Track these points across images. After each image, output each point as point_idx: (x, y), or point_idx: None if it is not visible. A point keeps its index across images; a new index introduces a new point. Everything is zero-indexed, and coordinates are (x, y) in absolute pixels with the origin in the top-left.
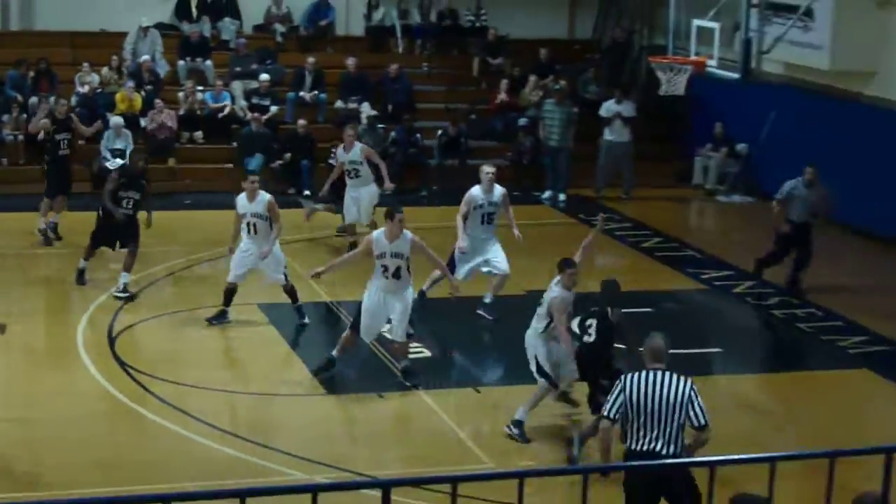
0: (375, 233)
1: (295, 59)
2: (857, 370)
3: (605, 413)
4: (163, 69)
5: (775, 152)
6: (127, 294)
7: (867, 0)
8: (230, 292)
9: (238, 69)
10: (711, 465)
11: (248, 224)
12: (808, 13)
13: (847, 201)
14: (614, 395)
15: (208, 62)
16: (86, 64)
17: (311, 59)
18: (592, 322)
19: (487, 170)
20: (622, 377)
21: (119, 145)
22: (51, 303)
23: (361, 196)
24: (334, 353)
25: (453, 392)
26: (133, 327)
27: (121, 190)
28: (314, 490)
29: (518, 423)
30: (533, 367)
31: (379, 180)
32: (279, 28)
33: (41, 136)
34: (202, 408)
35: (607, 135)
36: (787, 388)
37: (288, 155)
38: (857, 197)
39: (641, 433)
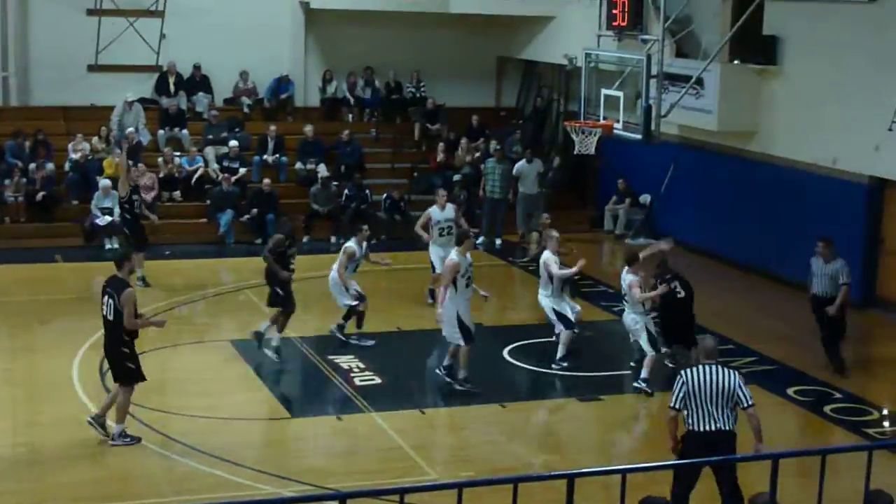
0: (455, 257)
1: (260, 128)
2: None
3: (671, 404)
4: (145, 138)
5: (673, 201)
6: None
7: (749, 70)
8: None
9: (210, 137)
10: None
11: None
12: (699, 82)
13: (735, 240)
14: (677, 389)
15: (185, 131)
16: (79, 135)
17: (273, 127)
18: (676, 283)
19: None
20: (682, 373)
21: (107, 204)
22: (49, 342)
23: (448, 253)
24: (462, 374)
25: (401, 414)
26: None
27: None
28: (282, 503)
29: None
30: (646, 344)
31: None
32: (246, 101)
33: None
34: (182, 431)
35: (521, 188)
36: None
37: (255, 210)
38: (742, 237)
39: (701, 416)
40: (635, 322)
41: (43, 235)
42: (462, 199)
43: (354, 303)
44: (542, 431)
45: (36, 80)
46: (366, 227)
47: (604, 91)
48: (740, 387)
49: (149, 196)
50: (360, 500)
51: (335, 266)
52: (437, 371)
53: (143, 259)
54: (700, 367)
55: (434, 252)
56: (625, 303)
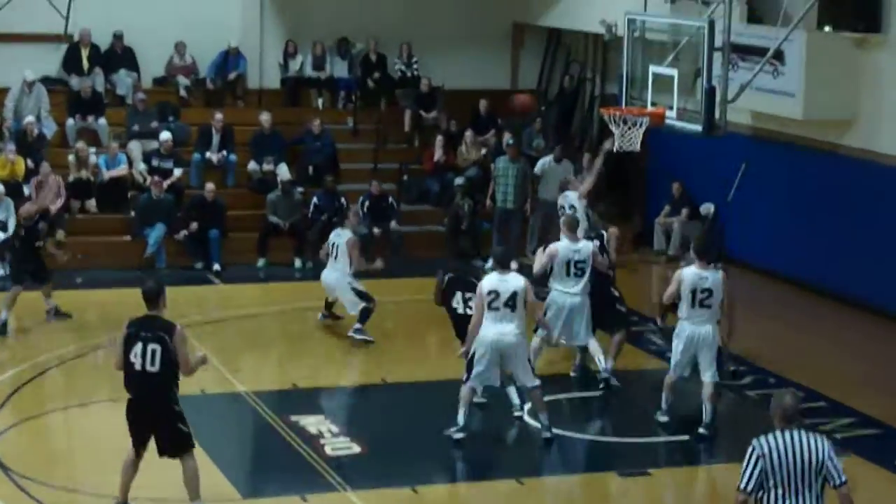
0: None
1: (201, 116)
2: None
3: (742, 486)
4: (49, 129)
5: (744, 212)
6: None
7: (844, 40)
8: None
9: (136, 128)
10: None
11: None
12: (778, 56)
13: (825, 264)
14: (750, 465)
15: (102, 120)
16: None
17: (218, 116)
18: None
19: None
20: (755, 443)
21: None
22: None
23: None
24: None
25: (387, 493)
26: (17, 426)
27: None
28: None
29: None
30: None
31: None
32: (183, 81)
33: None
34: None
35: (542, 193)
36: None
37: (194, 224)
38: (834, 259)
39: (784, 500)
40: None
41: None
42: (465, 211)
43: (369, 303)
44: None
45: None
46: (354, 207)
47: (652, 68)
48: (831, 458)
49: (54, 206)
50: None
51: (337, 264)
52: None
53: (51, 288)
54: (779, 433)
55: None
56: None
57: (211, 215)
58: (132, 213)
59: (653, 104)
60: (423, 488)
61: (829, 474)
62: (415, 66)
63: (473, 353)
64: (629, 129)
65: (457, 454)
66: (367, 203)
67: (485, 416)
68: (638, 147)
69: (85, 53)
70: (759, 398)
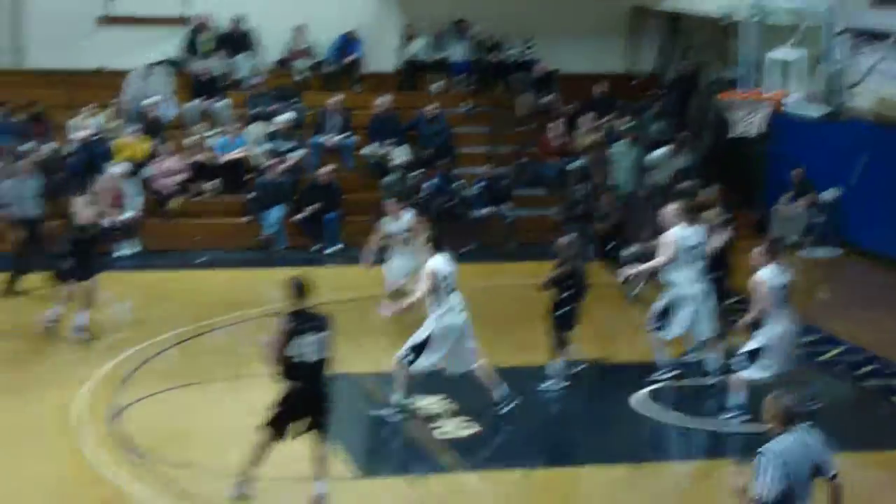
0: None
1: (319, 99)
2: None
3: (764, 498)
4: (170, 112)
5: (867, 199)
6: None
7: None
8: None
9: (255, 110)
10: None
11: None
12: None
13: None
14: (769, 474)
15: (221, 103)
16: (85, 107)
17: (335, 99)
18: None
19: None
20: (769, 452)
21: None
22: (44, 376)
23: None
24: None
25: (502, 474)
26: (136, 403)
27: None
28: None
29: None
30: None
31: None
32: (302, 64)
33: None
34: (214, 492)
35: (655, 178)
36: (877, 471)
37: (311, 206)
38: None
39: (800, 502)
40: None
41: None
42: (581, 195)
43: None
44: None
45: (32, 36)
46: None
47: (772, 53)
48: (825, 451)
49: (170, 182)
50: None
51: None
52: None
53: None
54: (787, 437)
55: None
56: None
57: (328, 198)
58: (251, 196)
59: (773, 89)
60: (539, 471)
61: (824, 467)
62: (531, 50)
63: None
64: (748, 113)
65: (572, 437)
66: (482, 187)
67: (597, 400)
68: (755, 133)
69: (206, 37)
70: (878, 387)
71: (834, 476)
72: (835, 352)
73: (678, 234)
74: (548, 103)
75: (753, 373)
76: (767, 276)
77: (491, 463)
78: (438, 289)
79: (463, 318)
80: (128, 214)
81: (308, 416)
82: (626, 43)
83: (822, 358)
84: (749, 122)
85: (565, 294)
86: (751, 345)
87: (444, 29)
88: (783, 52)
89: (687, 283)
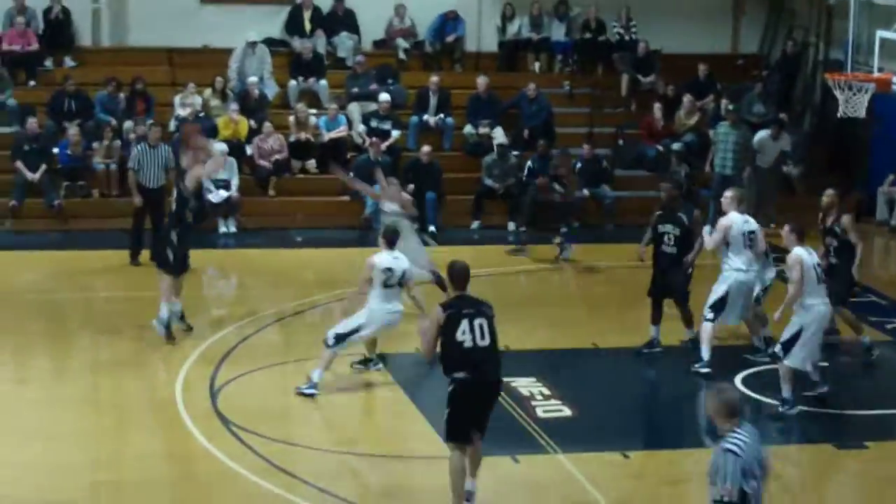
0: None
1: (419, 79)
2: None
3: (727, 499)
4: (271, 90)
5: None
6: None
7: None
8: None
9: (355, 90)
10: None
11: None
12: None
13: None
14: (730, 473)
15: (322, 82)
16: (191, 84)
17: (435, 79)
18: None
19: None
20: (732, 447)
21: (223, 176)
22: (146, 353)
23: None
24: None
25: (598, 457)
26: (237, 380)
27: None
28: None
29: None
30: None
31: None
32: (402, 44)
33: None
34: (312, 470)
35: (759, 161)
36: None
37: (411, 186)
38: None
39: (758, 494)
40: None
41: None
42: (682, 176)
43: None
44: (785, 486)
45: (135, 13)
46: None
47: (879, 33)
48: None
49: (268, 161)
50: None
51: None
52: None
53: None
54: (738, 431)
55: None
56: None
57: (428, 177)
58: (351, 175)
59: (879, 70)
60: (635, 454)
61: (764, 463)
62: (633, 29)
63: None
64: (854, 94)
65: (667, 421)
66: (579, 166)
67: (696, 380)
68: (864, 113)
69: (307, 16)
70: None
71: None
72: None
73: (734, 220)
74: (650, 83)
75: (795, 361)
76: (804, 255)
77: (588, 445)
78: (380, 282)
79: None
80: (228, 193)
81: (487, 408)
82: (730, 22)
83: None
84: (855, 103)
85: (690, 270)
86: (787, 332)
87: (544, 8)
88: (891, 33)
89: (743, 270)
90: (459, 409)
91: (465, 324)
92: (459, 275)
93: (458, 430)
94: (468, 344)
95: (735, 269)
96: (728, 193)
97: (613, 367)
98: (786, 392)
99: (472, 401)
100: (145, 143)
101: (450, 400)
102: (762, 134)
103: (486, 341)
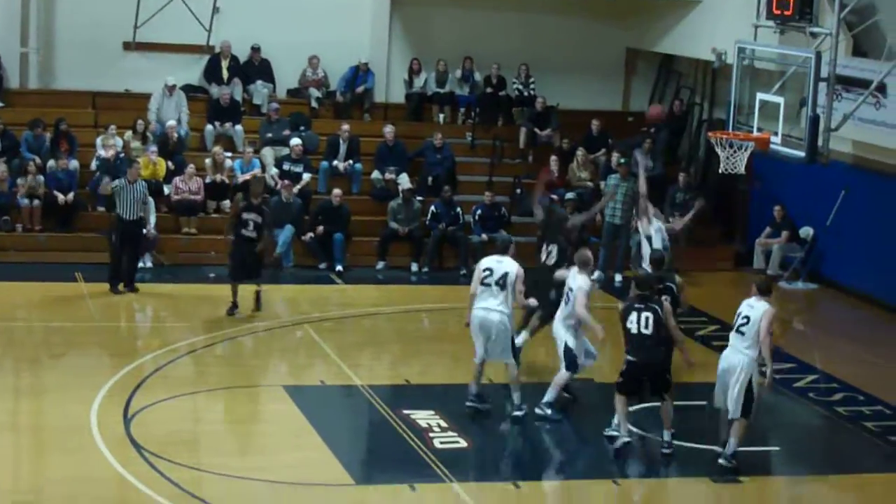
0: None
1: (330, 127)
2: None
3: None
4: (186, 134)
5: (842, 238)
6: None
7: None
8: None
9: (269, 135)
10: None
11: None
12: (881, 89)
13: None
14: None
15: (238, 127)
16: (112, 126)
17: (345, 127)
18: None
19: None
20: None
21: (140, 213)
22: (64, 378)
23: None
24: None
25: (490, 487)
26: (150, 407)
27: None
28: None
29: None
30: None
31: None
32: (314, 93)
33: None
34: (221, 496)
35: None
36: (847, 492)
37: (321, 228)
38: None
39: None
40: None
41: (61, 248)
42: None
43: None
44: None
45: (61, 58)
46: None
47: (759, 96)
48: None
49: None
50: None
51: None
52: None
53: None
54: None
55: None
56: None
57: (336, 219)
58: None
59: (758, 130)
60: (525, 484)
61: None
62: (532, 86)
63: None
64: (735, 152)
65: (558, 453)
66: (479, 212)
67: (583, 415)
68: (743, 170)
69: (225, 64)
70: (848, 414)
71: None
72: (809, 379)
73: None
74: (547, 137)
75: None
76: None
77: (482, 475)
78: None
79: None
80: (146, 230)
81: (648, 382)
82: (622, 81)
83: (796, 385)
84: (735, 160)
85: None
86: None
87: (449, 64)
88: (770, 96)
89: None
90: (627, 380)
91: (635, 315)
92: (646, 282)
93: (623, 389)
94: (633, 331)
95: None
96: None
97: (508, 401)
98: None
99: (636, 377)
100: (125, 179)
101: (622, 372)
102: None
103: (649, 331)
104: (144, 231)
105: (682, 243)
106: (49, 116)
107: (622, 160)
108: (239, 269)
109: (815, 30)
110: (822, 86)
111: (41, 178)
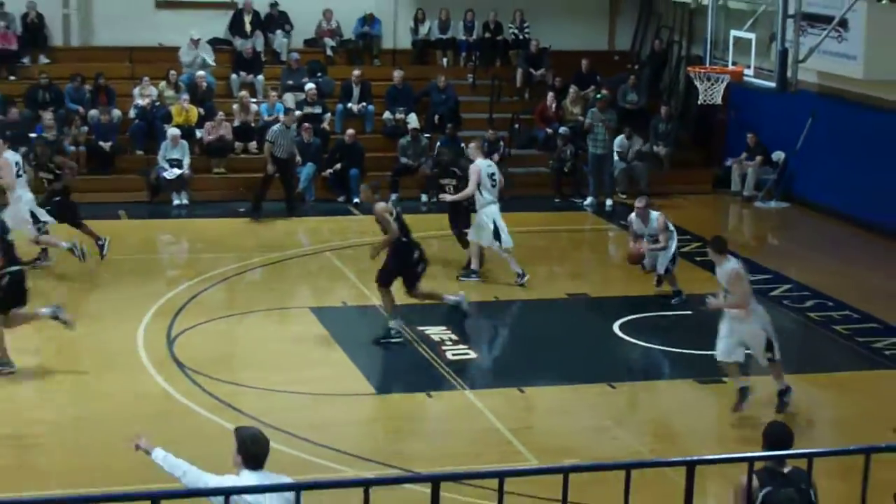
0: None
1: (344, 73)
2: (893, 371)
3: None
4: (214, 83)
5: (810, 160)
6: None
7: None
8: None
9: (290, 82)
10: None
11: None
12: (843, 24)
13: (882, 205)
14: None
15: (260, 77)
16: (146, 78)
17: (357, 72)
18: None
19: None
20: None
21: (175, 155)
22: (113, 307)
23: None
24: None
25: (498, 392)
26: (189, 330)
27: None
28: (366, 484)
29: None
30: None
31: None
32: (329, 42)
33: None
34: (256, 407)
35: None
36: (821, 389)
37: (338, 164)
38: (891, 201)
39: None
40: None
41: (105, 189)
42: (568, 155)
43: None
44: (655, 417)
45: (99, 17)
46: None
47: (733, 32)
48: None
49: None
50: (453, 486)
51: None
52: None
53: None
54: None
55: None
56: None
57: (352, 156)
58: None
59: (733, 64)
60: (529, 389)
61: None
62: (526, 30)
63: None
64: (712, 84)
65: (557, 361)
66: (484, 146)
67: (580, 327)
68: (719, 100)
69: (248, 18)
70: (820, 319)
71: None
72: (783, 288)
73: (480, 165)
74: (540, 76)
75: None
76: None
77: (491, 382)
78: None
79: None
80: (181, 171)
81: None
82: (607, 23)
83: (772, 294)
84: (712, 92)
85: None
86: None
87: (451, 13)
88: (743, 32)
89: (494, 201)
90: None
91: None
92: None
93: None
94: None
95: (489, 203)
96: (472, 144)
97: (511, 316)
98: None
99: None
100: (282, 124)
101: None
102: (618, 140)
103: None
104: (180, 171)
105: (667, 168)
106: (89, 70)
107: (598, 95)
108: None
109: None
110: (790, 22)
111: (84, 128)
